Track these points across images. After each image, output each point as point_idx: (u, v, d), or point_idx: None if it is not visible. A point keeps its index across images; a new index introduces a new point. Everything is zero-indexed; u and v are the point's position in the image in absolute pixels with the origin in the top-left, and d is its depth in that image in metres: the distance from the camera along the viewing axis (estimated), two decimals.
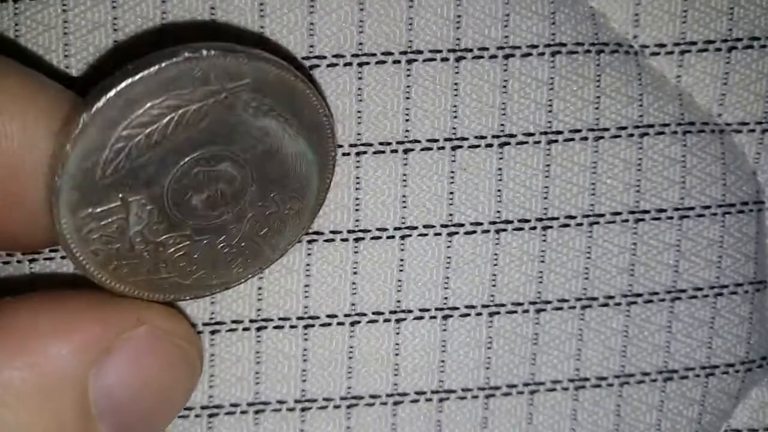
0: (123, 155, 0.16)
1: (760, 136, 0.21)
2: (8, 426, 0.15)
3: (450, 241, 0.21)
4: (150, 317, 0.17)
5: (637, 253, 0.21)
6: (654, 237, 0.21)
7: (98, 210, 0.16)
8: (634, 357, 0.21)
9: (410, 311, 0.21)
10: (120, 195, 0.16)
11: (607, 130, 0.21)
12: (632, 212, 0.21)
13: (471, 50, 0.20)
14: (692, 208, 0.21)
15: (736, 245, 0.21)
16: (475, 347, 0.21)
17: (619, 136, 0.21)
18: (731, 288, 0.21)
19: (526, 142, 0.21)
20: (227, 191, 0.17)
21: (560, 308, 0.21)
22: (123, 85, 0.15)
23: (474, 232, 0.21)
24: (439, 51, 0.20)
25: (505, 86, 0.20)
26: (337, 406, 0.21)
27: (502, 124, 0.20)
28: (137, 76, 0.15)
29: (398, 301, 0.21)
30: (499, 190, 0.21)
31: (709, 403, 0.22)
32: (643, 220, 0.21)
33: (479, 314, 0.21)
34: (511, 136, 0.20)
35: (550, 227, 0.21)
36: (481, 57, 0.20)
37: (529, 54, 0.20)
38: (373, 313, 0.21)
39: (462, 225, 0.21)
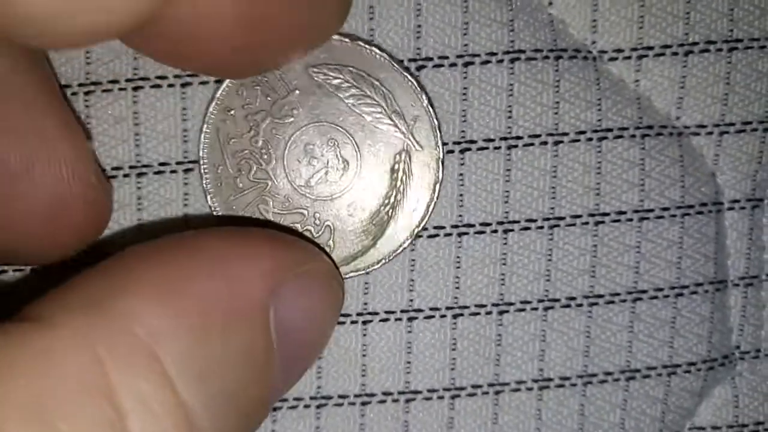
0: None
1: (718, 138, 0.22)
2: (207, 340, 0.15)
3: (414, 245, 0.21)
4: (314, 255, 0.18)
5: (597, 255, 0.22)
6: (614, 239, 0.22)
7: None
8: (597, 357, 0.22)
9: (376, 313, 0.21)
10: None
11: (566, 134, 0.21)
12: (592, 215, 0.21)
13: (431, 59, 0.21)
14: (652, 210, 0.22)
15: (696, 246, 0.22)
16: (440, 349, 0.22)
17: (578, 140, 0.21)
18: (692, 288, 0.22)
19: (487, 148, 0.21)
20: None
21: (523, 309, 0.22)
22: None
23: (437, 235, 0.21)
24: (401, 61, 0.21)
25: (465, 93, 0.21)
26: (307, 406, 0.21)
27: (463, 131, 0.21)
28: None
29: (365, 303, 0.21)
30: (461, 195, 0.21)
31: (672, 401, 0.22)
32: (603, 222, 0.21)
33: (443, 316, 0.21)
34: (472, 142, 0.21)
35: (512, 230, 0.21)
36: (441, 65, 0.21)
37: (489, 61, 0.21)
38: (342, 315, 0.21)
39: (426, 229, 0.21)
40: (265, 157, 0.20)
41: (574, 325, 0.22)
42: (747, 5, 0.21)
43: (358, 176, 0.20)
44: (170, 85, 0.20)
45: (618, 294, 0.22)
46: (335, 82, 0.20)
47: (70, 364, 0.13)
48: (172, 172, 0.21)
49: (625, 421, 0.22)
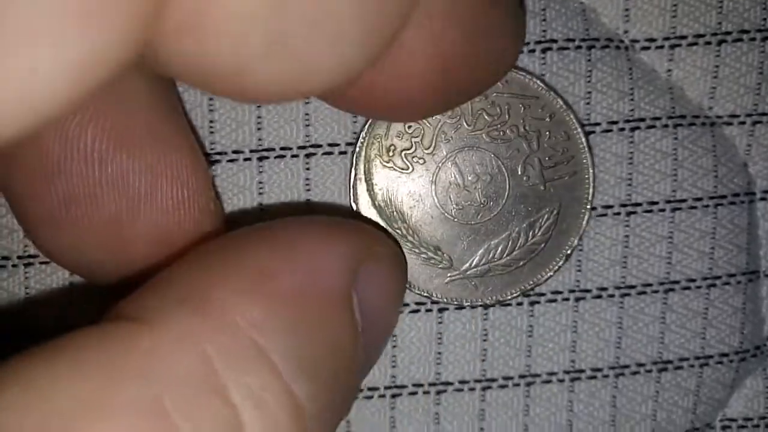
0: None
1: (751, 128, 0.22)
2: (302, 331, 0.15)
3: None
4: (384, 240, 0.18)
5: (630, 245, 0.21)
6: (646, 229, 0.21)
7: None
8: (629, 348, 0.22)
9: (407, 304, 0.21)
10: None
11: (598, 124, 0.21)
12: (624, 205, 0.21)
13: None
14: (684, 200, 0.21)
15: (728, 236, 0.22)
16: (471, 339, 0.21)
17: (610, 131, 0.21)
18: (724, 279, 0.22)
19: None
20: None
21: (554, 300, 0.21)
22: None
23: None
24: None
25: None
26: None
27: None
28: None
29: None
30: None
31: (704, 393, 0.22)
32: (635, 212, 0.21)
33: (474, 307, 0.21)
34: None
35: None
36: None
37: (520, 51, 0.21)
38: None
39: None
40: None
41: (605, 315, 0.22)
42: None
43: None
44: None
45: (650, 285, 0.22)
46: None
47: (179, 364, 0.13)
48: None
49: (656, 413, 0.22)
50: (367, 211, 0.21)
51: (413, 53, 0.15)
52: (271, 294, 0.15)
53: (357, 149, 0.20)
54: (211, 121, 0.20)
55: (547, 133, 0.21)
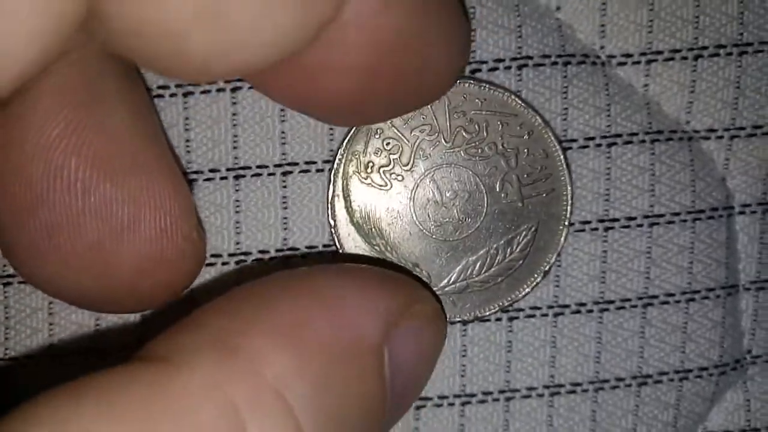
0: None
1: (729, 142, 0.22)
2: (329, 386, 0.15)
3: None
4: (423, 296, 0.18)
5: (608, 261, 0.21)
6: (624, 244, 0.21)
7: None
8: (608, 363, 0.22)
9: None
10: None
11: (575, 141, 0.21)
12: (602, 220, 0.21)
13: None
14: (662, 215, 0.21)
15: (707, 251, 0.22)
16: (450, 355, 0.21)
17: (587, 147, 0.21)
18: (703, 293, 0.22)
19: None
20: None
21: (533, 316, 0.21)
22: None
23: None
24: None
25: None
26: None
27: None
28: None
29: None
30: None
31: (684, 406, 0.22)
32: (613, 228, 0.21)
33: (452, 323, 0.21)
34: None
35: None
36: None
37: (496, 68, 0.21)
38: None
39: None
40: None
41: (584, 330, 0.22)
42: (757, 8, 0.21)
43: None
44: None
45: (629, 299, 0.22)
46: None
47: (206, 410, 0.13)
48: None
49: (637, 427, 0.22)
50: (345, 227, 0.21)
51: (347, 41, 0.15)
52: (300, 346, 0.15)
53: (335, 166, 0.21)
54: (187, 140, 0.21)
55: (525, 150, 0.21)
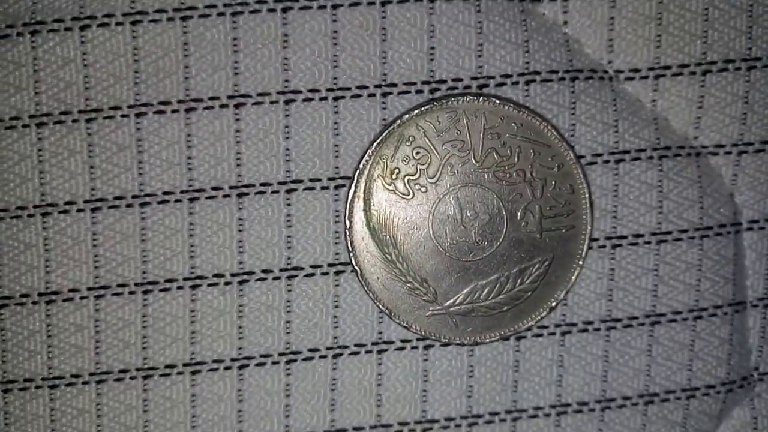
0: None
1: (737, 157, 0.21)
2: None
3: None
4: None
5: (615, 278, 0.21)
6: (632, 262, 0.21)
7: None
8: (615, 381, 0.22)
9: (392, 342, 0.21)
10: None
11: (582, 157, 0.21)
12: (609, 238, 0.21)
13: (445, 81, 0.20)
14: (670, 233, 0.21)
15: (715, 268, 0.21)
16: (457, 376, 0.21)
17: (594, 163, 0.21)
18: (710, 310, 0.22)
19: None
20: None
21: (540, 335, 0.21)
22: None
23: None
24: (413, 83, 0.20)
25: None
26: None
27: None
28: None
29: (380, 333, 0.21)
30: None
31: (691, 424, 0.22)
32: (620, 245, 0.21)
33: (460, 344, 0.21)
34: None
35: None
36: (455, 88, 0.20)
37: (504, 83, 0.20)
38: (355, 345, 0.21)
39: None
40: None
41: (591, 349, 0.21)
42: (766, 23, 0.21)
43: None
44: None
45: (636, 318, 0.21)
46: None
47: None
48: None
49: None
50: (360, 230, 0.20)
51: None
52: None
53: (360, 165, 0.20)
54: (189, 158, 0.20)
55: (553, 182, 0.20)
